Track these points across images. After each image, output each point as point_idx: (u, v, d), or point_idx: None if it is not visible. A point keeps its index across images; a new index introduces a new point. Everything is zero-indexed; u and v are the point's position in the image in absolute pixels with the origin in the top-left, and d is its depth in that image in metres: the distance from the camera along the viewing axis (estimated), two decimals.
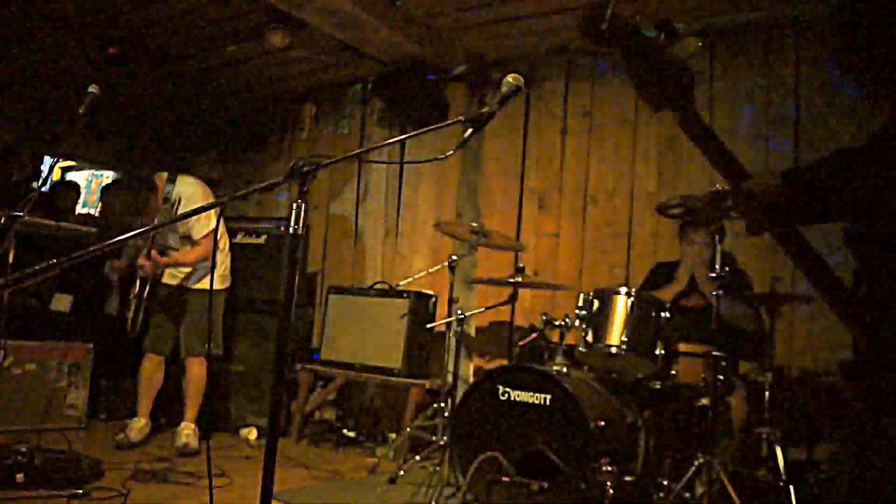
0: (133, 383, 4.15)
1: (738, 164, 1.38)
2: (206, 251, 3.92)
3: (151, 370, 4.02)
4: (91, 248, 1.40)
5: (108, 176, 7.33)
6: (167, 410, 4.34)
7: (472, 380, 4.78)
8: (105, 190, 6.36)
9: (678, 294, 3.66)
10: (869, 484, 1.19)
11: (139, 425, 3.96)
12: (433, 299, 4.66)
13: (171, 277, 4.05)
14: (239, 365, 4.71)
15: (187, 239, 3.98)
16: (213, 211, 3.72)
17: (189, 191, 3.93)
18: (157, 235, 4.01)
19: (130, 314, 3.94)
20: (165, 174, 4.00)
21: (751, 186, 1.36)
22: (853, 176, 1.26)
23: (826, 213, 1.32)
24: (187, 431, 3.93)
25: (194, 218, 3.80)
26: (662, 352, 3.17)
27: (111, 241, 1.49)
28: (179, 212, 3.81)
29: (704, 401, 3.12)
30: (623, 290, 3.25)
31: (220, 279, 4.13)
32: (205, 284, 4.02)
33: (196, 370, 4.02)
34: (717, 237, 2.98)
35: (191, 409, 4.00)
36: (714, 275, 2.94)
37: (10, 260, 2.83)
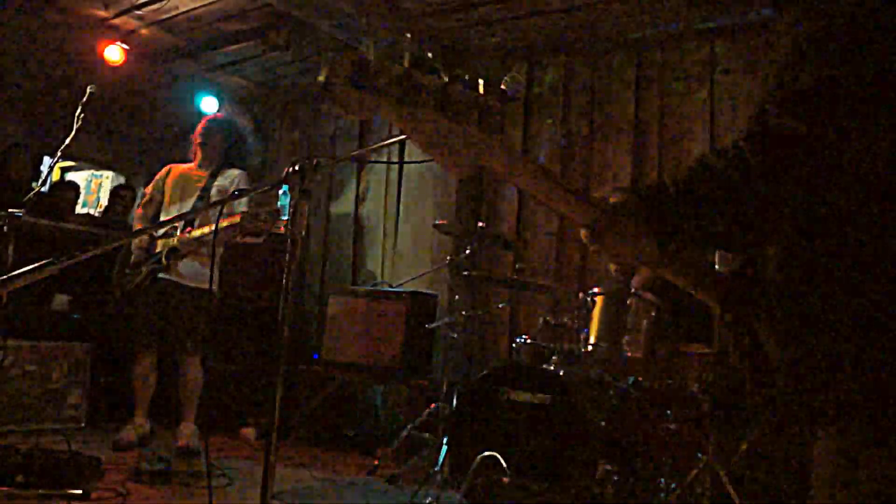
0: (131, 382, 4.13)
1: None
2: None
3: (144, 370, 3.92)
4: (90, 249, 1.40)
5: (107, 176, 7.32)
6: (167, 410, 4.32)
7: (471, 380, 4.77)
8: (114, 194, 6.38)
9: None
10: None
11: (136, 426, 3.91)
12: (433, 299, 4.66)
13: (175, 274, 3.87)
14: (238, 365, 4.71)
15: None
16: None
17: (239, 177, 3.98)
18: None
19: (137, 279, 3.87)
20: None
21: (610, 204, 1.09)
22: (712, 197, 1.02)
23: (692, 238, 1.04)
24: (187, 432, 3.87)
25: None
26: (663, 352, 3.17)
27: (112, 242, 1.49)
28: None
29: (705, 401, 3.12)
30: (623, 290, 3.24)
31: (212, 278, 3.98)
32: (200, 283, 3.87)
33: (193, 370, 3.92)
34: None
35: (190, 409, 3.92)
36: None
37: (10, 260, 2.83)
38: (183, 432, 3.87)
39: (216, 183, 3.97)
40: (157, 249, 3.89)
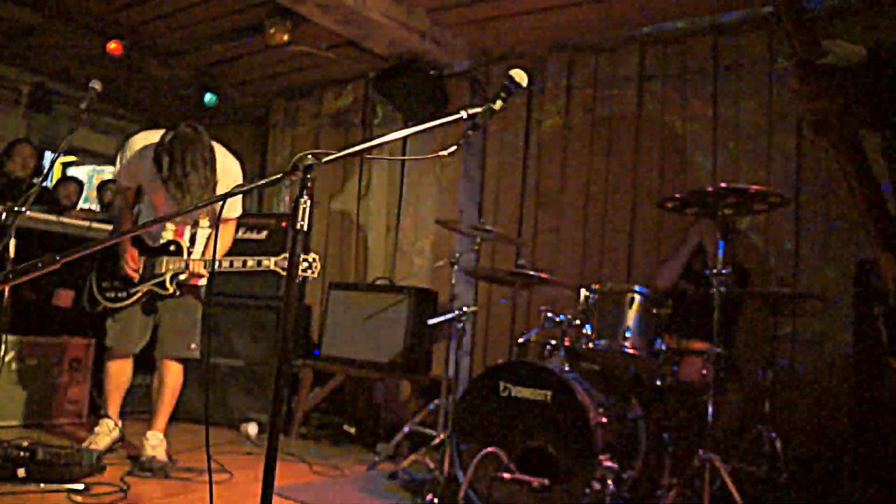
0: (135, 379, 4.10)
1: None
2: (232, 235, 3.48)
3: (119, 368, 3.49)
4: (93, 244, 1.40)
5: (109, 171, 7.33)
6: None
7: (472, 376, 4.78)
8: (101, 187, 6.38)
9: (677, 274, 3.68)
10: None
11: (107, 429, 3.46)
12: (434, 295, 4.66)
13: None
14: (239, 360, 4.71)
15: (210, 214, 3.48)
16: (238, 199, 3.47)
17: (228, 163, 3.43)
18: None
19: (128, 300, 3.39)
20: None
21: (829, 62, 1.16)
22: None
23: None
24: (154, 442, 3.37)
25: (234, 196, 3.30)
26: (663, 348, 3.17)
27: (113, 238, 1.49)
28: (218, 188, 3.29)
29: (706, 398, 3.12)
30: (625, 286, 3.24)
31: (226, 248, 3.56)
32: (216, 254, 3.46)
33: (174, 374, 3.48)
34: (720, 232, 2.98)
35: (162, 418, 3.45)
36: (714, 270, 2.94)
37: (12, 255, 2.83)
38: (149, 443, 3.36)
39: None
40: (161, 269, 3.36)
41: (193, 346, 3.50)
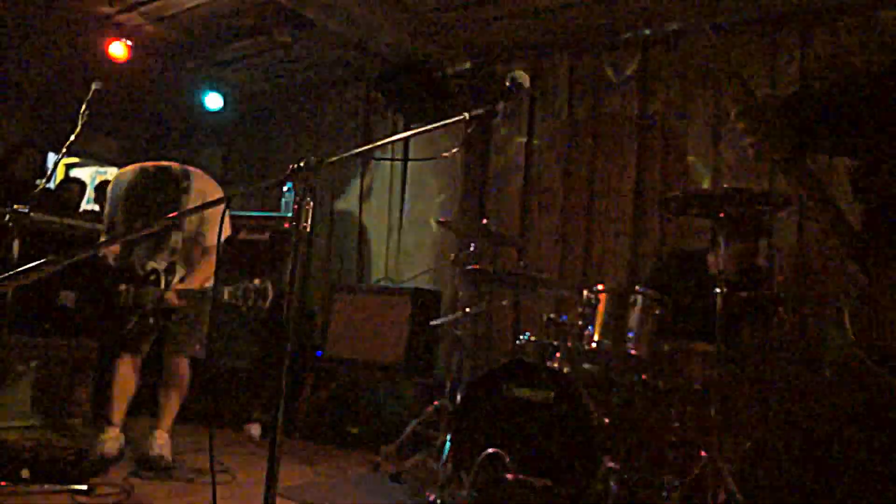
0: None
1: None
2: (213, 264, 3.46)
3: (129, 374, 3.48)
4: (95, 245, 1.40)
5: (111, 173, 7.35)
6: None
7: (474, 377, 4.78)
8: (99, 188, 6.38)
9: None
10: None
11: (113, 435, 3.38)
12: (436, 296, 4.66)
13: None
14: (242, 361, 4.72)
15: (191, 242, 3.50)
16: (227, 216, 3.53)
17: (209, 189, 3.52)
18: (137, 250, 3.49)
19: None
20: (178, 165, 3.55)
21: (763, 97, 1.26)
22: (863, 103, 1.15)
23: (834, 139, 1.21)
24: (161, 442, 3.37)
25: (211, 220, 3.43)
26: (667, 350, 3.17)
27: (114, 239, 1.49)
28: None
29: (709, 399, 3.11)
30: (627, 287, 3.24)
31: (208, 279, 3.57)
32: (193, 284, 3.49)
33: (183, 369, 3.48)
34: (720, 233, 2.97)
35: (169, 416, 3.45)
36: (718, 271, 2.94)
37: (15, 256, 2.83)
38: (156, 442, 3.38)
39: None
40: (145, 301, 3.35)
41: (199, 347, 3.51)
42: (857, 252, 1.26)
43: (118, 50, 5.24)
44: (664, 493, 2.96)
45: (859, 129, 1.20)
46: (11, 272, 1.22)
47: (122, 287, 3.38)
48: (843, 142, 1.23)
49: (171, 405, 3.47)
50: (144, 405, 4.40)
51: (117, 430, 3.43)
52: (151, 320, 3.36)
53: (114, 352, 3.51)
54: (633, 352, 3.12)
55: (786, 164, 1.29)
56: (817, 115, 1.23)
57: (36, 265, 1.25)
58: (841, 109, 1.20)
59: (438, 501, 3.08)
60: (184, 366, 3.49)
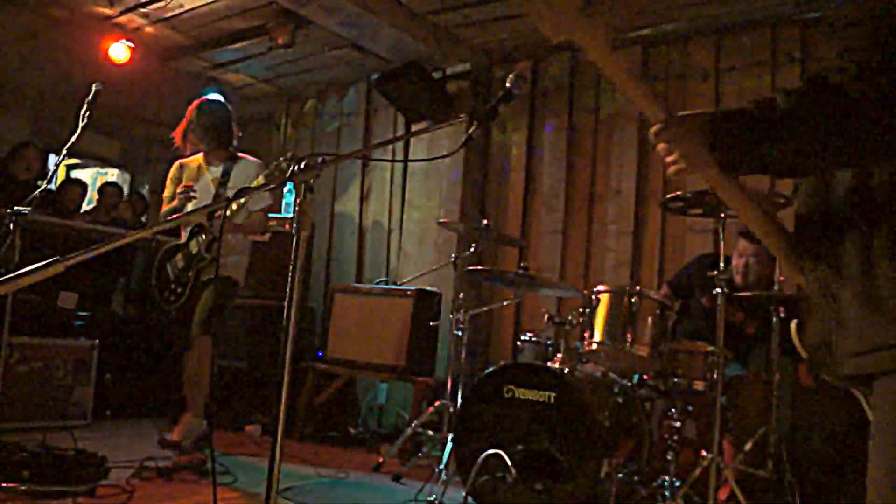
0: (137, 380, 4.11)
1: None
2: (259, 222, 3.86)
3: (192, 360, 3.72)
4: (96, 247, 1.40)
5: (112, 174, 7.34)
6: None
7: (475, 377, 4.78)
8: (101, 190, 6.38)
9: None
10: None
11: (198, 424, 3.68)
12: (437, 297, 4.66)
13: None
14: (243, 362, 4.72)
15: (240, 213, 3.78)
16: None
17: (252, 169, 3.92)
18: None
19: (183, 296, 3.73)
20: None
21: (683, 113, 1.27)
22: (773, 134, 1.15)
23: (752, 163, 1.20)
24: (181, 427, 3.67)
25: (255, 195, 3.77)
26: (668, 350, 3.17)
27: (115, 240, 1.49)
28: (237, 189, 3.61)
29: (710, 400, 3.12)
30: (628, 288, 3.24)
31: (243, 270, 3.98)
32: (229, 272, 3.86)
33: (205, 347, 3.68)
34: (720, 232, 2.98)
35: (191, 400, 3.70)
36: (716, 272, 2.94)
37: (16, 257, 2.84)
38: (183, 426, 3.64)
39: (234, 174, 3.88)
40: (194, 251, 3.76)
41: (238, 276, 3.89)
42: (792, 255, 1.28)
43: (119, 51, 5.25)
44: (664, 493, 2.96)
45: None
46: (13, 274, 1.22)
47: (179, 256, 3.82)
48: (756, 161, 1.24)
49: (193, 390, 3.68)
50: (145, 405, 4.43)
51: (198, 418, 3.70)
52: (207, 257, 3.69)
53: (182, 347, 3.75)
54: (633, 352, 3.12)
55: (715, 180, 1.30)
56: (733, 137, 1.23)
57: (38, 266, 1.25)
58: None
59: (439, 502, 3.08)
60: (206, 344, 3.68)
